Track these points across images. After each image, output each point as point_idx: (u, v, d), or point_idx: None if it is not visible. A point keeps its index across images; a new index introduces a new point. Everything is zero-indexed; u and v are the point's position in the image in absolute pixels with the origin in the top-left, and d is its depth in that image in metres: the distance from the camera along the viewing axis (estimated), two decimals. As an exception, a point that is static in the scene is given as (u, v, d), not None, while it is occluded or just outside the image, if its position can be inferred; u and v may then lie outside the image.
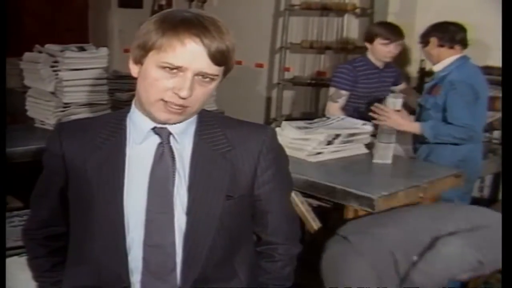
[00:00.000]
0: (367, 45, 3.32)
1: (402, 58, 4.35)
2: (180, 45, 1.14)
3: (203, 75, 1.18)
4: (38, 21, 6.22)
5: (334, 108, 3.29)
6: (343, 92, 3.29)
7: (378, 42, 3.25)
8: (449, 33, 2.91)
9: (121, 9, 6.49)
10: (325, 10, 4.63)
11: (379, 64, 3.35)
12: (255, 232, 1.43)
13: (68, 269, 1.38)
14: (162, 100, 1.19)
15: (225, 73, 1.24)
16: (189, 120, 1.29)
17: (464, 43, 2.93)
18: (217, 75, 1.20)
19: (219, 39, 1.16)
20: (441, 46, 2.92)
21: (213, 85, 1.22)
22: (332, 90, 3.34)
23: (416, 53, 4.13)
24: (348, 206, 2.24)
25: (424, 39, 3.00)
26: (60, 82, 2.73)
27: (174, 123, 1.25)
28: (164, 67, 1.16)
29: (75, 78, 2.74)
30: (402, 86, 3.58)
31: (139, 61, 1.21)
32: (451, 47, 2.90)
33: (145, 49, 1.18)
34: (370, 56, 3.35)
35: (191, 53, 1.15)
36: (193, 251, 1.27)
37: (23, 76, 2.96)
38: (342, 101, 3.30)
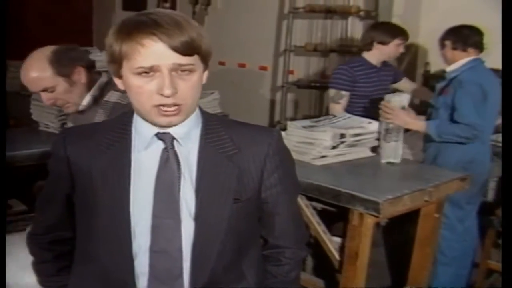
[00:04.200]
0: (379, 46, 3.33)
1: (408, 60, 4.33)
2: (141, 47, 1.15)
3: (178, 68, 1.17)
4: (43, 24, 6.22)
5: (336, 109, 3.31)
6: (343, 92, 3.32)
7: (396, 43, 3.32)
8: (462, 36, 2.98)
9: (125, 12, 6.50)
10: (329, 13, 4.63)
11: (377, 63, 3.39)
12: (262, 235, 1.42)
13: (74, 273, 1.37)
14: (155, 105, 1.19)
15: (204, 61, 1.22)
16: (193, 123, 1.28)
17: (478, 47, 3.00)
18: (192, 65, 1.18)
19: (177, 32, 1.15)
20: (455, 49, 2.99)
21: (195, 76, 1.20)
22: (332, 92, 3.37)
23: (422, 55, 4.12)
24: (353, 209, 2.23)
25: (441, 42, 3.08)
26: (64, 85, 2.72)
27: (176, 124, 1.24)
28: (140, 73, 1.17)
29: (80, 81, 2.73)
30: (403, 81, 3.65)
31: (118, 75, 1.23)
32: (464, 50, 2.98)
33: (116, 62, 1.20)
34: (367, 56, 3.38)
35: (155, 51, 1.15)
36: (202, 256, 1.26)
37: (27, 79, 2.95)
38: (343, 101, 3.33)
